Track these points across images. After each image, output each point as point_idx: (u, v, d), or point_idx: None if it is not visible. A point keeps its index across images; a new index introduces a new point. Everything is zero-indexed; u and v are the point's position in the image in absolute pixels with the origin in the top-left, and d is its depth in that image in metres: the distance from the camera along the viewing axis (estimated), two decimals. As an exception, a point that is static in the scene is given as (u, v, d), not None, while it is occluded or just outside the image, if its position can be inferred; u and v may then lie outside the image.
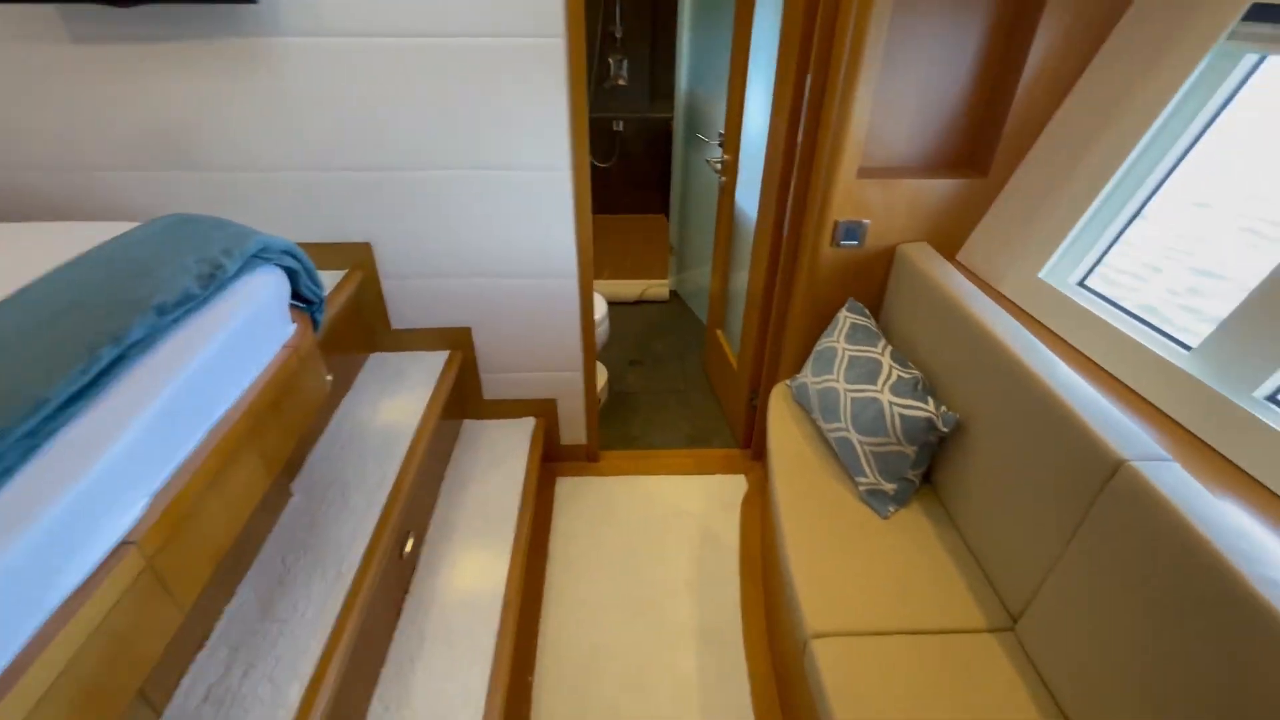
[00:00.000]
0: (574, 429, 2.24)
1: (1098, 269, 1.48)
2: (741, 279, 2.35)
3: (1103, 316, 1.34)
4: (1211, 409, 1.11)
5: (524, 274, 1.84)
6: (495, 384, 2.09)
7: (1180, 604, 0.86)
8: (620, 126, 4.24)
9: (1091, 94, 1.48)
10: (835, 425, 1.57)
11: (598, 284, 3.45)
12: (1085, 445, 1.05)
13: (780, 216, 1.87)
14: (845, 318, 1.73)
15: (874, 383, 1.51)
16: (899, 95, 1.61)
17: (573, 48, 1.50)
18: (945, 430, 1.38)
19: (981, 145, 1.67)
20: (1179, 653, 0.85)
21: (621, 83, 4.18)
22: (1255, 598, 0.76)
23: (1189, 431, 1.12)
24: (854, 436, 1.51)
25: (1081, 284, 1.49)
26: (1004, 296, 1.58)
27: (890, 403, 1.44)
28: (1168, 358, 1.21)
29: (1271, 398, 1.10)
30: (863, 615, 1.25)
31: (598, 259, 3.75)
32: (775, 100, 1.82)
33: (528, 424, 2.12)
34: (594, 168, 4.38)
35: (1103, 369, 1.30)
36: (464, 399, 2.10)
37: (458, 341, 1.98)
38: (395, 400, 1.76)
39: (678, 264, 3.52)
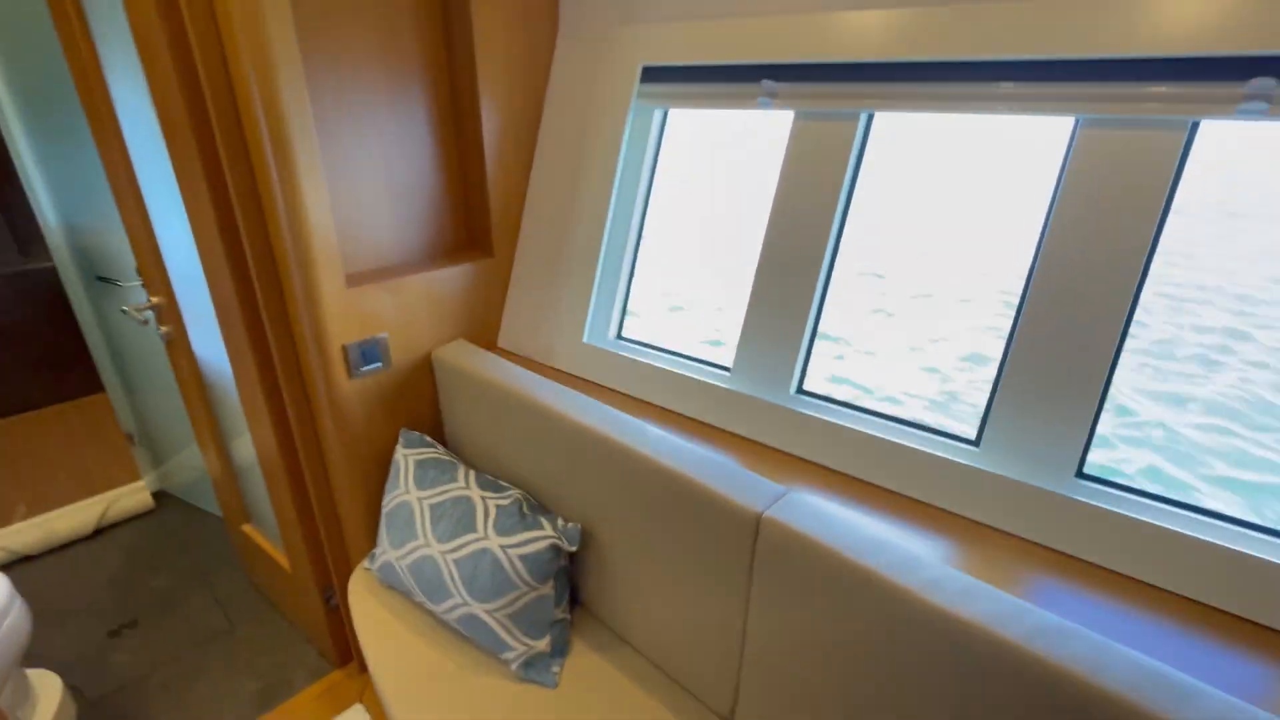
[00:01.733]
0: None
1: (626, 319, 1.48)
2: (248, 448, 1.69)
3: (650, 361, 1.33)
4: (759, 414, 1.18)
5: None
6: None
7: (873, 632, 0.78)
8: (-27, 293, 2.82)
9: (551, 162, 1.48)
10: (450, 603, 1.16)
11: (6, 535, 2.13)
12: (716, 510, 0.93)
13: (264, 360, 1.35)
14: (405, 457, 1.33)
15: (473, 528, 1.16)
16: (366, 186, 1.32)
17: None
18: (573, 548, 1.14)
19: (478, 226, 1.52)
20: (897, 678, 0.77)
21: (-51, 231, 2.79)
22: (923, 603, 0.72)
23: (746, 438, 1.19)
24: (478, 608, 1.13)
25: (620, 337, 1.48)
26: (561, 371, 1.46)
27: (502, 546, 1.12)
28: (714, 382, 1.24)
29: (800, 390, 1.22)
30: None
31: (1, 494, 2.36)
32: (191, 213, 1.30)
33: None
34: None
35: (666, 409, 1.29)
36: None
37: None
38: None
39: (151, 454, 2.48)
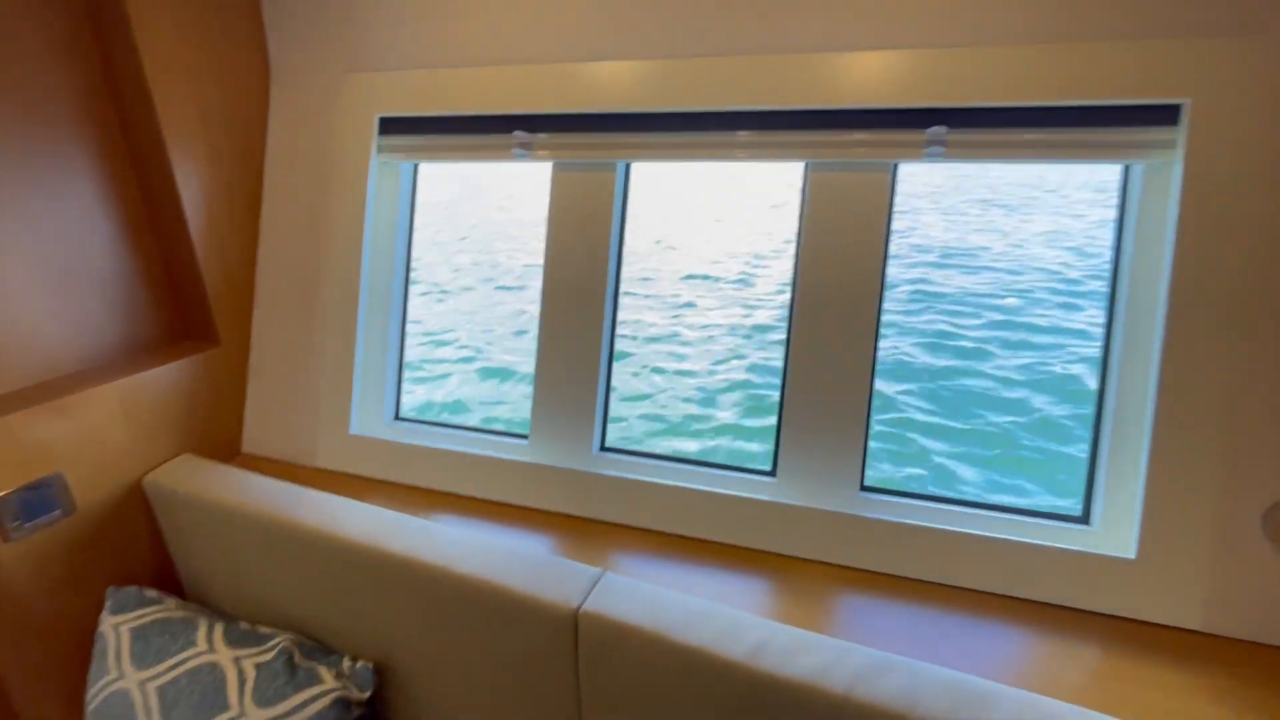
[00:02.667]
0: None
1: (402, 399, 1.31)
2: None
3: (435, 444, 1.18)
4: (562, 483, 1.11)
5: None
6: None
7: (716, 711, 0.73)
8: None
9: (284, 227, 1.26)
10: (199, 816, 0.87)
11: None
12: (527, 613, 0.82)
13: None
14: (115, 627, 1.00)
15: (224, 706, 0.89)
16: (10, 275, 0.98)
17: None
18: (368, 693, 0.93)
19: (193, 309, 1.23)
20: None
21: None
22: (752, 672, 0.69)
23: (553, 512, 1.11)
24: (242, 810, 0.86)
25: (399, 418, 1.30)
26: (329, 472, 1.23)
27: (268, 721, 0.87)
28: (508, 457, 1.14)
29: (604, 448, 1.16)
30: None
31: None
32: None
33: None
34: None
35: (460, 495, 1.15)
36: None
37: None
38: None
39: None
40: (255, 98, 1.23)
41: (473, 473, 1.15)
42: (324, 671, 0.92)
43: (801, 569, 0.96)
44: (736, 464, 1.10)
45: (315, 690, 0.90)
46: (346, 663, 0.95)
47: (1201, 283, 0.82)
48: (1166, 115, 0.84)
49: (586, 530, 1.06)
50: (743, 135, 1.03)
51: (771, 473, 1.05)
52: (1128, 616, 0.85)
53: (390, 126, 1.20)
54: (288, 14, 1.21)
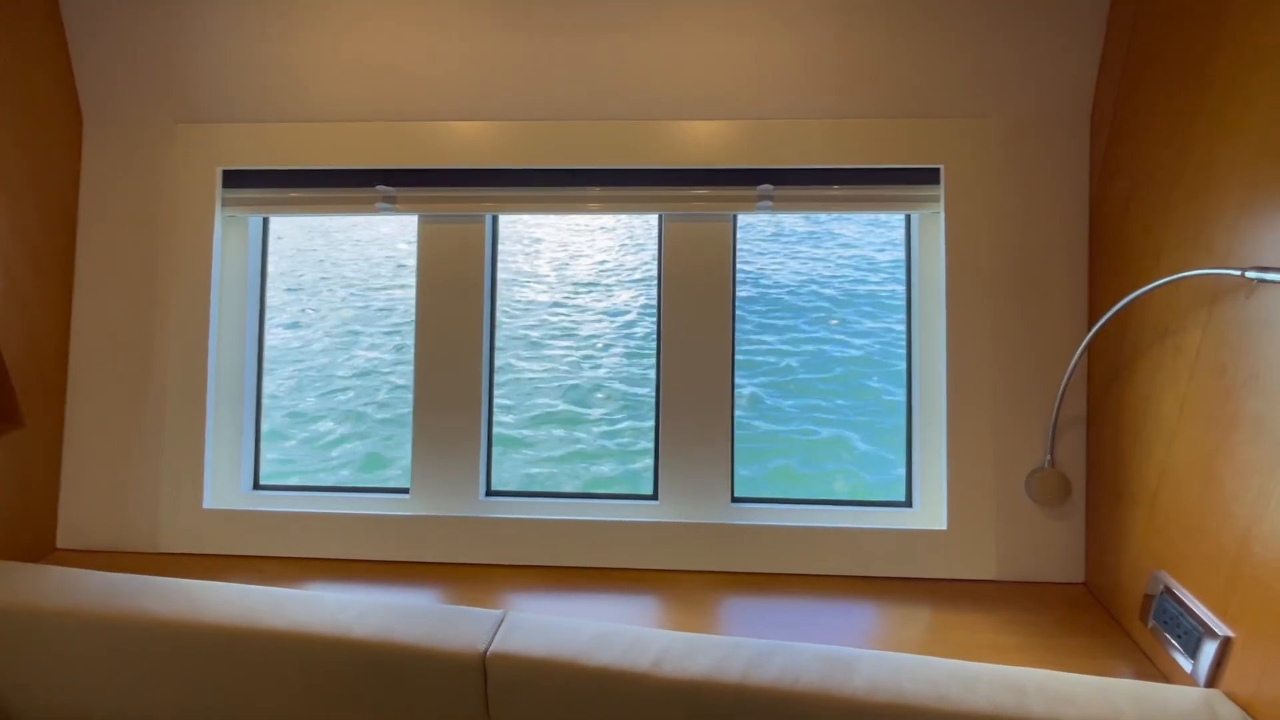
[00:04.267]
0: None
1: (260, 463, 1.22)
2: None
3: (303, 509, 1.12)
4: (449, 532, 1.11)
5: None
6: None
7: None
8: None
9: (105, 289, 1.14)
10: None
11: None
12: (430, 667, 0.81)
13: None
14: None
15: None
16: None
17: None
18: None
19: (-17, 389, 1.06)
20: None
21: None
22: (659, 680, 0.76)
23: (439, 563, 1.11)
24: None
25: (259, 487, 1.20)
26: (179, 556, 1.11)
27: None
28: (388, 513, 1.12)
29: (490, 492, 1.18)
30: None
31: None
32: None
33: None
34: None
35: (335, 559, 1.10)
36: None
37: None
38: None
39: None
40: (64, 150, 1.11)
41: (350, 534, 1.10)
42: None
43: (686, 580, 1.05)
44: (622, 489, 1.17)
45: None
46: (221, 762, 0.86)
47: (967, 298, 1.06)
48: (930, 176, 1.09)
49: (476, 576, 1.07)
50: (596, 190, 1.13)
51: (653, 496, 1.14)
52: (945, 578, 1.04)
53: (235, 179, 1.14)
54: (101, 62, 1.12)
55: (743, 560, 1.07)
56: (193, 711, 0.90)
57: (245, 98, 1.13)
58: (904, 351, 1.15)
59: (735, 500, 1.13)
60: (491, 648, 0.81)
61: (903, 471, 1.14)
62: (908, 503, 1.14)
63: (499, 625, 0.84)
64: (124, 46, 1.11)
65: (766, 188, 1.09)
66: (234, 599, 0.90)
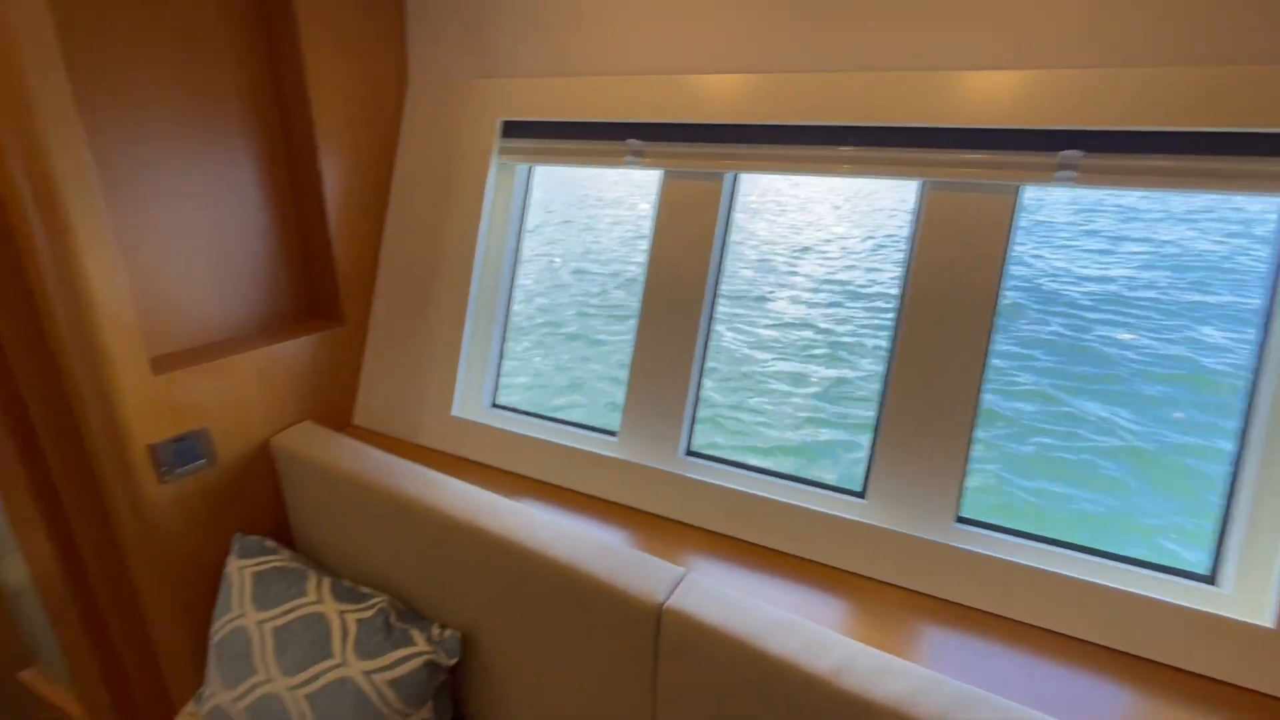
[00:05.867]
0: None
1: (501, 386, 1.38)
2: (24, 574, 1.34)
3: (528, 433, 1.23)
4: (648, 482, 1.13)
5: None
6: None
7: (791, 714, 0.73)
8: None
9: (407, 220, 1.36)
10: (299, 751, 0.96)
11: None
12: (612, 604, 0.84)
13: (38, 473, 1.08)
14: (240, 569, 1.11)
15: (328, 654, 0.98)
16: (179, 253, 1.11)
17: None
18: (453, 660, 0.99)
19: (323, 290, 1.35)
20: None
21: None
22: (837, 689, 0.68)
23: (638, 510, 1.13)
24: (337, 751, 0.94)
25: (495, 405, 1.37)
26: (429, 449, 1.31)
27: (366, 673, 0.95)
28: (600, 451, 1.18)
29: (689, 452, 1.18)
30: None
31: None
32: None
33: None
34: None
35: (550, 484, 1.20)
36: None
37: None
38: None
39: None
40: (392, 102, 1.34)
41: (562, 463, 1.19)
42: (417, 635, 0.99)
43: (885, 594, 0.94)
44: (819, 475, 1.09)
45: (409, 651, 0.96)
46: (436, 629, 1.01)
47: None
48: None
49: (667, 530, 1.08)
50: (848, 150, 1.02)
51: (860, 494, 1.03)
52: (1262, 691, 0.78)
53: (512, 130, 1.27)
54: (428, 27, 1.31)
55: (958, 589, 0.92)
56: (417, 577, 1.06)
57: (527, 56, 1.23)
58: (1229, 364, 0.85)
59: (961, 520, 0.97)
60: (669, 601, 0.81)
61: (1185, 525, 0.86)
62: (1210, 579, 0.87)
63: (678, 582, 0.84)
64: (445, 16, 1.29)
65: (1073, 154, 0.88)
66: (462, 496, 1.03)
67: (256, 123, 1.20)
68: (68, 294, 0.94)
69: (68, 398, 1.04)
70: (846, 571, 0.98)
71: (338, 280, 1.32)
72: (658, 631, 0.82)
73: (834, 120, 1.01)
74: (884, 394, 1.01)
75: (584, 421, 1.28)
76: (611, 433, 1.23)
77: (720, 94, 1.08)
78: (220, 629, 1.08)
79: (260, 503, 1.26)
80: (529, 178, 1.36)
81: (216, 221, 1.17)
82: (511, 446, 1.24)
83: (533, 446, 1.22)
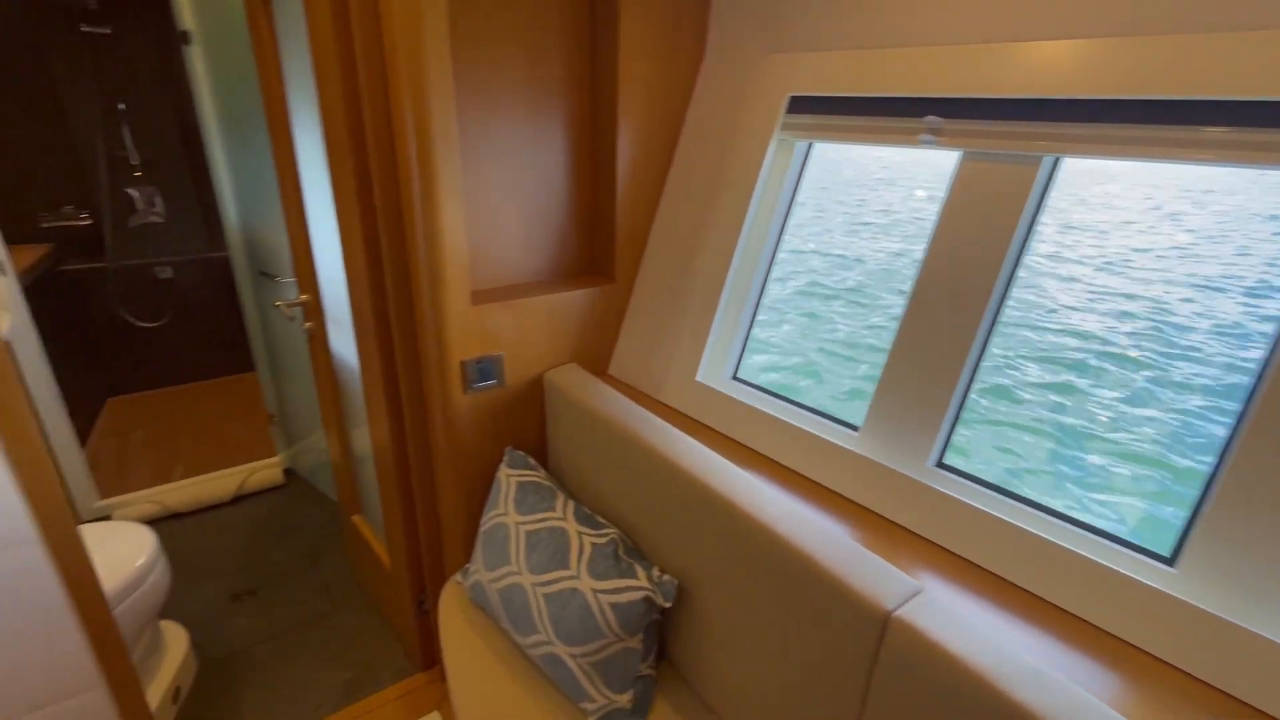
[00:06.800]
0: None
1: (744, 360, 1.40)
2: (368, 443, 1.78)
3: (767, 410, 1.24)
4: (888, 486, 1.06)
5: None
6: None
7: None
8: (169, 273, 3.25)
9: (683, 189, 1.44)
10: (535, 639, 1.12)
11: (167, 491, 2.40)
12: (837, 598, 0.82)
13: (389, 369, 1.40)
14: (508, 477, 1.33)
15: (566, 564, 1.12)
16: (500, 207, 1.34)
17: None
18: (668, 604, 1.06)
19: (601, 248, 1.51)
20: None
21: (157, 219, 3.23)
22: None
23: (875, 514, 1.07)
24: (562, 650, 1.08)
25: (736, 378, 1.40)
26: (669, 408, 1.40)
27: (594, 591, 1.06)
28: (839, 443, 1.13)
29: (941, 464, 1.07)
30: None
31: (160, 455, 2.66)
32: (342, 224, 1.38)
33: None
34: (141, 330, 3.24)
35: (783, 465, 1.18)
36: None
37: None
38: None
39: (285, 433, 2.70)
40: (687, 72, 1.41)
41: (798, 447, 1.18)
42: (640, 571, 1.08)
43: (1186, 688, 0.75)
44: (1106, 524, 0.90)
45: (632, 582, 1.06)
46: (656, 571, 1.09)
47: None
48: None
49: (907, 543, 1.00)
50: (1216, 131, 0.80)
51: (1170, 560, 0.84)
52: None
53: (797, 105, 1.26)
54: (733, 7, 1.35)
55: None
56: (645, 520, 1.15)
57: (822, 28, 1.20)
58: None
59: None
60: (898, 611, 0.76)
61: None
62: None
63: (912, 595, 0.78)
64: None
65: None
66: (700, 457, 1.08)
67: (572, 98, 1.37)
68: (427, 233, 1.19)
69: (413, 316, 1.33)
70: (1140, 649, 0.80)
71: (616, 242, 1.46)
72: (881, 639, 0.77)
73: (1197, 94, 0.80)
74: (1225, 449, 0.80)
75: (816, 406, 1.24)
76: (851, 425, 1.17)
77: (1045, 63, 0.92)
78: (488, 521, 1.30)
79: (527, 425, 1.47)
80: (805, 156, 1.33)
81: (532, 183, 1.37)
82: (748, 420, 1.26)
83: (769, 424, 1.22)
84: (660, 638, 1.18)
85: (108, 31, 2.86)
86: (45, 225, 2.98)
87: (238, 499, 2.54)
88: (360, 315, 1.42)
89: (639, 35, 1.30)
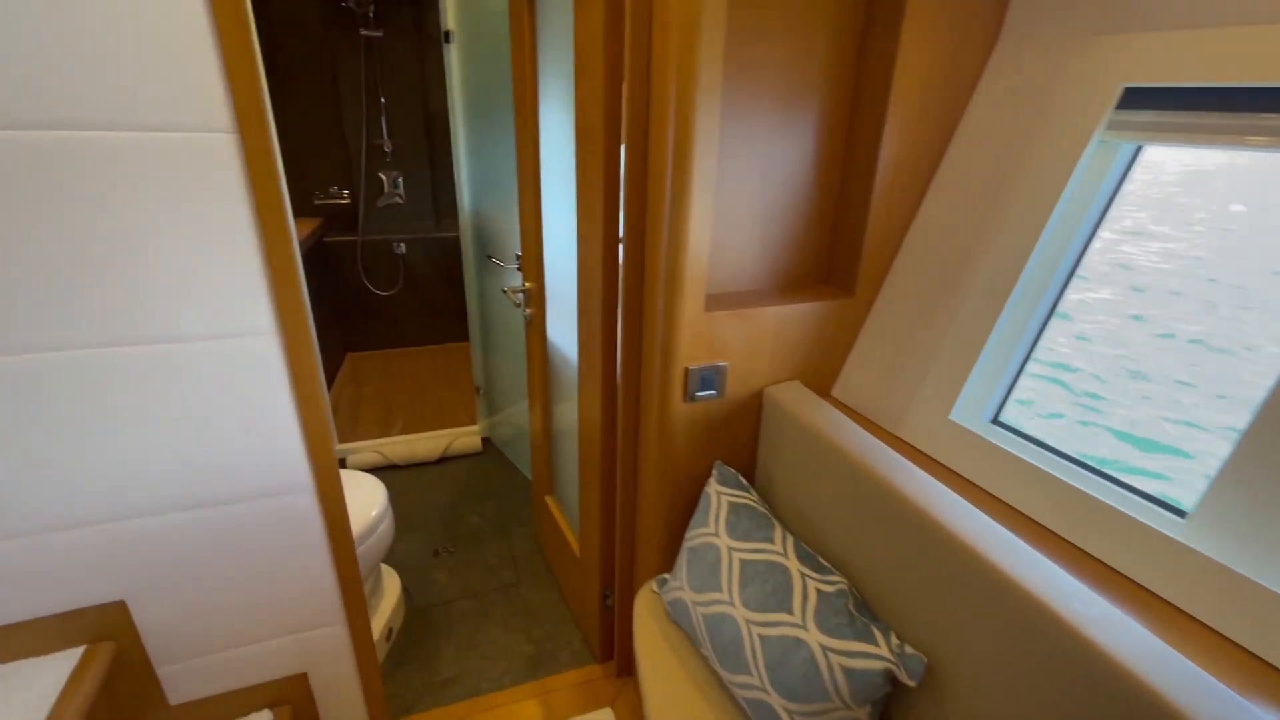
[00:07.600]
0: (344, 709, 1.44)
1: (1010, 401, 1.18)
2: (569, 431, 1.82)
3: (1044, 467, 1.02)
4: (1239, 597, 0.80)
5: (215, 500, 1.11)
6: (188, 679, 1.25)
7: None
8: (403, 249, 3.66)
9: (953, 199, 1.24)
10: (744, 679, 1.04)
11: (388, 444, 2.69)
12: (1136, 708, 0.63)
13: (610, 369, 1.39)
14: (718, 495, 1.25)
15: (788, 608, 1.01)
16: (740, 208, 1.26)
17: (252, 147, 0.92)
18: (913, 684, 0.91)
19: (841, 258, 1.37)
20: None
21: (399, 200, 3.65)
22: None
23: (1212, 629, 0.80)
24: (776, 700, 0.98)
25: (997, 422, 1.19)
26: (909, 446, 1.22)
27: (823, 647, 0.95)
28: (1163, 529, 0.89)
29: (1324, 583, 0.80)
30: None
31: (384, 409, 3.00)
32: (582, 217, 1.38)
33: (256, 730, 1.30)
34: (377, 297, 3.70)
35: (1068, 541, 0.96)
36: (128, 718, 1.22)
37: (102, 628, 1.14)
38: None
39: (488, 405, 2.90)
40: (973, 63, 1.22)
41: (1091, 523, 0.96)
42: (878, 635, 0.94)
43: None
44: None
45: (870, 648, 0.93)
46: (895, 639, 0.95)
47: None
48: None
49: (1257, 671, 0.76)
50: None
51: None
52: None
53: (1131, 99, 1.01)
54: None
55: None
56: (880, 575, 1.00)
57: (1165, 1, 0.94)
58: None
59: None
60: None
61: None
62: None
63: None
64: None
65: None
66: (967, 517, 0.91)
67: (831, 89, 1.24)
68: (673, 231, 1.14)
69: (642, 316, 1.30)
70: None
71: (861, 254, 1.31)
72: None
73: None
74: None
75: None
76: (1177, 510, 0.92)
77: None
78: (695, 536, 1.24)
79: (739, 441, 1.39)
80: (1131, 162, 1.07)
81: (774, 183, 1.27)
82: (1017, 476, 1.05)
83: (1048, 485, 1.01)
84: (886, 711, 1.04)
85: (380, 35, 3.25)
86: (317, 202, 3.49)
87: (443, 459, 2.79)
88: (587, 311, 1.42)
89: (925, 22, 1.14)
